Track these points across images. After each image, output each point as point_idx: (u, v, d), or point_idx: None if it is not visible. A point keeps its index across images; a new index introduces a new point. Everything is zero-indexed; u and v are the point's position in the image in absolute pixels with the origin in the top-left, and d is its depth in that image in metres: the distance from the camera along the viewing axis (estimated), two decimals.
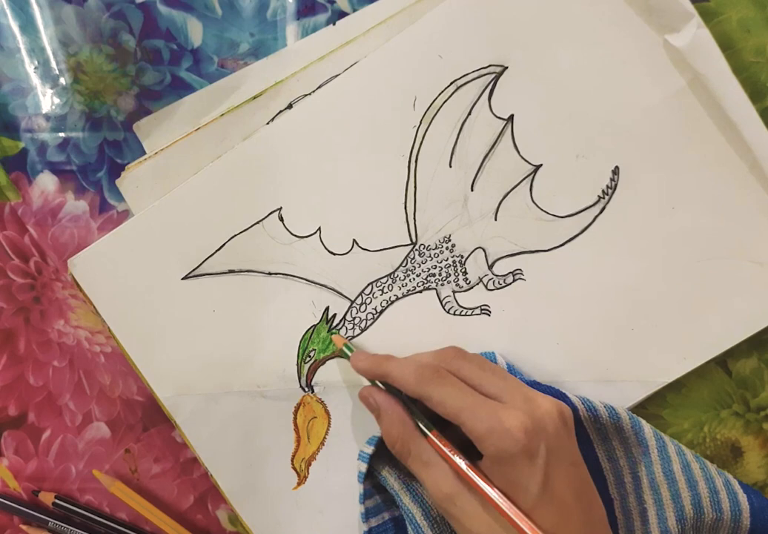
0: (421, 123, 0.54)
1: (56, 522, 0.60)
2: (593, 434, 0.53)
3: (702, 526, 0.53)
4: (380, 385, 0.52)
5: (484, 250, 0.55)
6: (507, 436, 0.44)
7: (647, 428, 0.53)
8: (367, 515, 0.54)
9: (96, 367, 0.60)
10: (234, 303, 0.56)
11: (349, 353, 0.54)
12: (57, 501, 0.60)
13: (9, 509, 0.60)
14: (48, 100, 0.57)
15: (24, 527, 0.61)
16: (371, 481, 0.54)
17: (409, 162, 0.54)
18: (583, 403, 0.52)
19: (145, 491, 0.61)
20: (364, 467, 0.53)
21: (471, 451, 0.47)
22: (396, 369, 0.50)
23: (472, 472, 0.46)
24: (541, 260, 0.54)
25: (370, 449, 0.53)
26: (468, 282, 0.55)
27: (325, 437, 0.57)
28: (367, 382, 0.54)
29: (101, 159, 0.57)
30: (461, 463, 0.46)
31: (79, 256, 0.56)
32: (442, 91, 0.54)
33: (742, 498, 0.53)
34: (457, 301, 0.55)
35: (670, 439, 0.54)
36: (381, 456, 0.54)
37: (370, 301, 0.56)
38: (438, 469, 0.47)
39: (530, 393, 0.48)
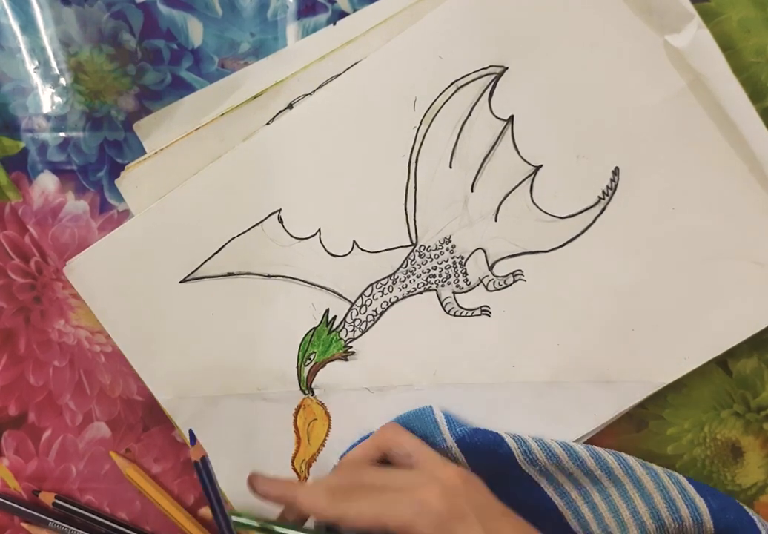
0: (421, 123, 0.54)
1: (56, 522, 0.60)
2: (536, 476, 0.53)
3: None
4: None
5: (484, 250, 0.55)
6: (431, 512, 0.45)
7: (588, 460, 0.53)
8: None
9: (96, 366, 0.60)
10: (233, 306, 0.56)
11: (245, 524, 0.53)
12: (57, 501, 0.60)
13: (9, 509, 0.61)
14: (48, 100, 0.57)
15: (25, 525, 0.61)
16: None
17: (409, 163, 0.54)
18: (519, 447, 0.53)
19: None
20: None
21: None
22: (304, 493, 0.49)
23: None
24: (541, 261, 0.54)
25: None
26: (468, 283, 0.55)
27: (325, 439, 0.57)
28: (365, 385, 0.54)
29: (101, 159, 0.57)
30: None
31: (75, 260, 0.57)
32: (443, 92, 0.54)
33: (700, 502, 0.53)
34: (457, 302, 0.55)
35: (615, 458, 0.53)
36: None
37: (371, 303, 0.56)
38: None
39: (432, 468, 0.49)
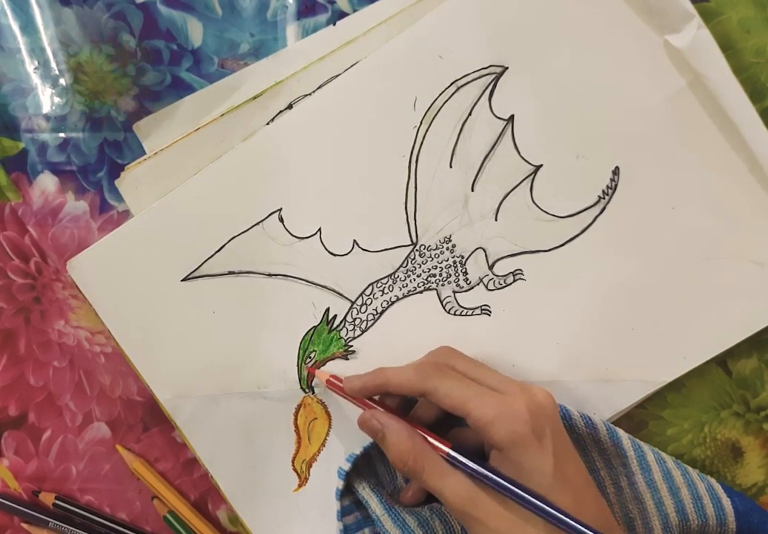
0: (421, 123, 0.54)
1: (57, 522, 0.60)
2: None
3: (689, 533, 0.53)
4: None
5: (484, 250, 0.55)
6: (516, 418, 0.45)
7: (625, 438, 0.53)
8: (346, 532, 0.54)
9: (96, 367, 0.60)
10: (234, 304, 0.56)
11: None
12: (57, 502, 0.60)
13: (9, 509, 0.60)
14: (48, 101, 0.57)
15: (25, 526, 0.61)
16: (352, 498, 0.55)
17: (410, 162, 0.54)
18: (560, 411, 0.52)
19: (146, 491, 0.61)
20: (341, 484, 0.53)
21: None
22: (395, 373, 0.50)
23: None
24: (541, 260, 0.54)
25: (347, 466, 0.53)
26: (468, 282, 0.55)
27: (325, 438, 0.57)
28: None
29: (101, 159, 0.57)
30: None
31: (77, 259, 0.56)
32: (443, 92, 0.54)
33: (726, 502, 0.53)
34: (457, 302, 0.55)
35: (649, 448, 0.54)
36: (362, 477, 0.54)
37: (371, 302, 0.56)
38: (454, 478, 0.47)
39: (524, 384, 0.48)
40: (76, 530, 0.60)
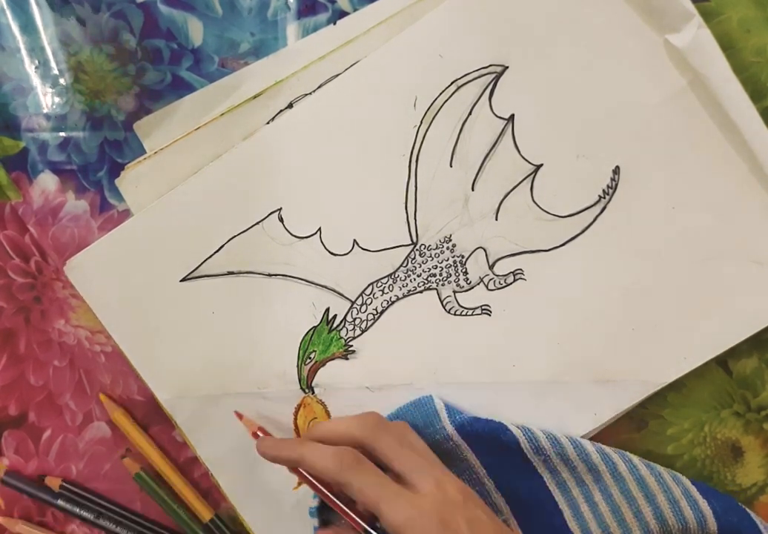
0: (421, 123, 0.54)
1: (64, 503, 0.60)
2: (539, 467, 0.53)
3: None
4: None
5: (484, 249, 0.55)
6: (427, 523, 0.45)
7: (594, 453, 0.53)
8: None
9: (96, 366, 0.60)
10: (233, 304, 0.56)
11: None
12: (64, 484, 0.60)
13: (18, 489, 0.61)
14: (48, 100, 0.57)
15: (23, 525, 0.61)
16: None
17: (410, 162, 0.54)
18: (524, 435, 0.53)
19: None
20: (315, 522, 0.53)
21: None
22: (311, 455, 0.49)
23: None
24: (541, 260, 0.54)
25: (315, 501, 0.53)
26: (469, 282, 0.55)
27: None
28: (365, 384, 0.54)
29: (102, 158, 0.57)
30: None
31: (75, 259, 0.56)
32: (443, 91, 0.54)
33: (703, 504, 0.52)
34: (457, 301, 0.55)
35: (619, 457, 0.53)
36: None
37: (371, 302, 0.56)
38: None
39: (438, 475, 0.48)
40: (83, 513, 0.60)
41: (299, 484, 0.58)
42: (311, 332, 0.56)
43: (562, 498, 0.53)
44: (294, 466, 0.50)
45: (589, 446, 0.53)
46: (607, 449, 0.53)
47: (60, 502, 0.60)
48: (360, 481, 0.47)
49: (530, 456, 0.53)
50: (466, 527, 0.45)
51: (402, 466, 0.48)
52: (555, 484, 0.53)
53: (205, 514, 0.60)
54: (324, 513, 0.53)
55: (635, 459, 0.54)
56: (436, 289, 0.55)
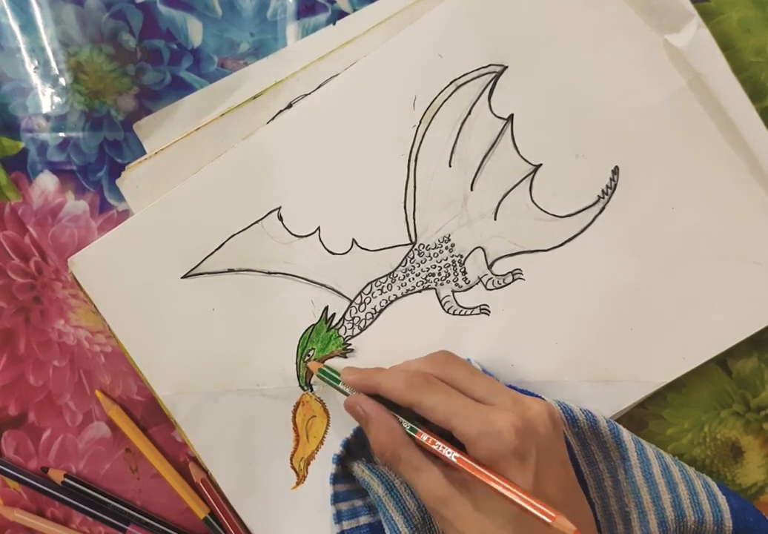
0: (420, 122, 0.54)
1: (66, 497, 0.60)
2: (572, 438, 0.53)
3: (685, 531, 0.53)
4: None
5: (483, 249, 0.55)
6: (498, 437, 0.45)
7: (625, 432, 0.53)
8: (339, 517, 0.55)
9: (96, 366, 0.60)
10: (233, 302, 0.56)
11: (331, 374, 0.54)
12: (66, 480, 0.60)
13: (22, 482, 0.61)
14: (48, 100, 0.57)
15: (21, 515, 0.61)
16: (351, 484, 0.55)
17: (409, 161, 0.54)
18: (560, 407, 0.53)
19: (146, 490, 0.61)
20: (334, 469, 0.54)
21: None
22: (386, 380, 0.50)
23: (467, 460, 0.46)
24: (540, 260, 0.54)
25: (340, 450, 0.54)
26: (467, 281, 0.55)
27: (324, 436, 0.57)
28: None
29: (101, 159, 0.58)
30: (453, 454, 0.46)
31: (79, 255, 0.56)
32: (442, 91, 0.54)
33: (722, 499, 0.53)
34: (456, 301, 0.55)
35: (648, 444, 0.54)
36: (360, 458, 0.54)
37: (370, 301, 0.56)
38: (430, 473, 0.47)
39: (519, 396, 0.48)
40: (85, 507, 0.60)
41: (297, 483, 0.58)
42: (310, 330, 0.56)
43: (589, 470, 0.53)
44: (374, 392, 0.51)
45: (622, 427, 0.53)
46: (638, 437, 0.54)
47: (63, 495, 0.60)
48: (430, 399, 0.47)
49: (564, 427, 0.52)
50: (535, 453, 0.45)
51: (477, 392, 0.48)
52: (583, 456, 0.53)
53: (200, 512, 0.60)
54: (346, 460, 0.55)
55: (662, 451, 0.54)
56: (434, 288, 0.55)
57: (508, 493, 0.44)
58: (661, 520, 0.52)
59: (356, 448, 0.55)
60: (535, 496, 0.44)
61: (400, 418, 0.50)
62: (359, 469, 0.54)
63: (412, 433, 0.49)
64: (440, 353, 0.52)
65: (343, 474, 0.55)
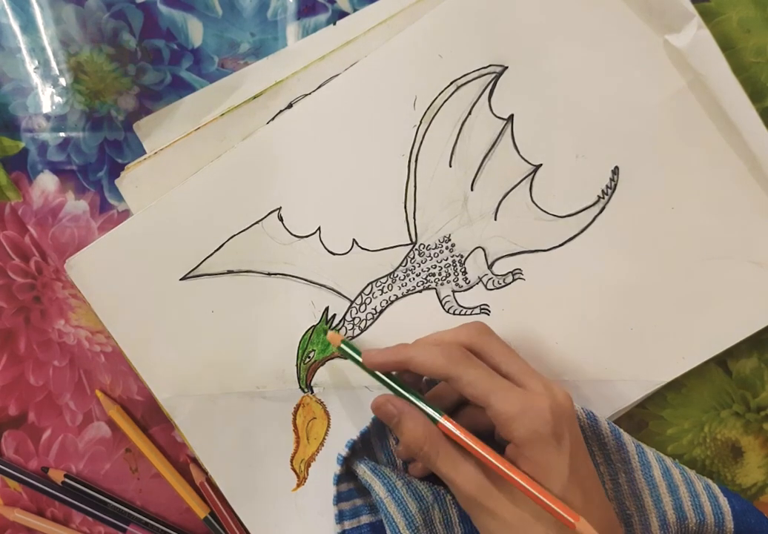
0: (421, 122, 0.54)
1: (66, 498, 0.60)
2: None
3: (687, 533, 0.53)
4: (391, 383, 0.51)
5: (483, 249, 0.55)
6: (538, 417, 0.45)
7: (626, 434, 0.53)
8: (341, 517, 0.55)
9: (96, 366, 0.60)
10: (233, 303, 0.56)
11: (350, 351, 0.53)
12: (66, 480, 0.60)
13: (20, 481, 0.61)
14: (48, 100, 0.57)
15: (21, 515, 0.61)
16: (352, 484, 0.55)
17: (409, 161, 0.54)
18: None
19: (146, 490, 0.61)
20: (338, 470, 0.54)
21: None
22: (419, 353, 0.49)
23: (500, 460, 0.46)
24: (540, 260, 0.54)
25: (346, 452, 0.54)
26: (468, 281, 0.55)
27: (324, 438, 0.57)
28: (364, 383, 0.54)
29: (101, 159, 0.58)
30: (485, 453, 0.46)
31: (76, 257, 0.56)
32: (443, 91, 0.54)
33: (723, 501, 0.53)
34: (456, 301, 0.55)
35: (648, 448, 0.54)
36: (363, 461, 0.54)
37: (370, 301, 0.56)
38: (467, 466, 0.47)
39: (546, 381, 0.48)
40: (85, 507, 0.60)
41: (298, 485, 0.58)
42: (310, 331, 0.56)
43: (598, 478, 0.53)
44: (403, 368, 0.50)
45: (622, 430, 0.53)
46: (638, 441, 0.54)
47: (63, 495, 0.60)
48: (470, 374, 0.47)
49: None
50: (568, 436, 0.46)
51: (510, 367, 0.49)
52: None
53: (200, 512, 0.60)
54: (350, 461, 0.54)
55: (661, 453, 0.54)
56: (435, 288, 0.55)
57: (532, 490, 0.44)
58: (662, 522, 0.52)
59: (361, 449, 0.55)
60: (571, 477, 0.45)
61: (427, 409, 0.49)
62: (361, 470, 0.54)
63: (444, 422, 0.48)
64: (476, 323, 0.52)
65: (346, 473, 0.55)
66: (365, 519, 0.55)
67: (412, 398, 0.50)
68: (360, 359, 0.52)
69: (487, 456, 0.46)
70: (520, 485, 0.45)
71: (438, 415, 0.48)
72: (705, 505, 0.52)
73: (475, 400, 0.47)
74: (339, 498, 0.54)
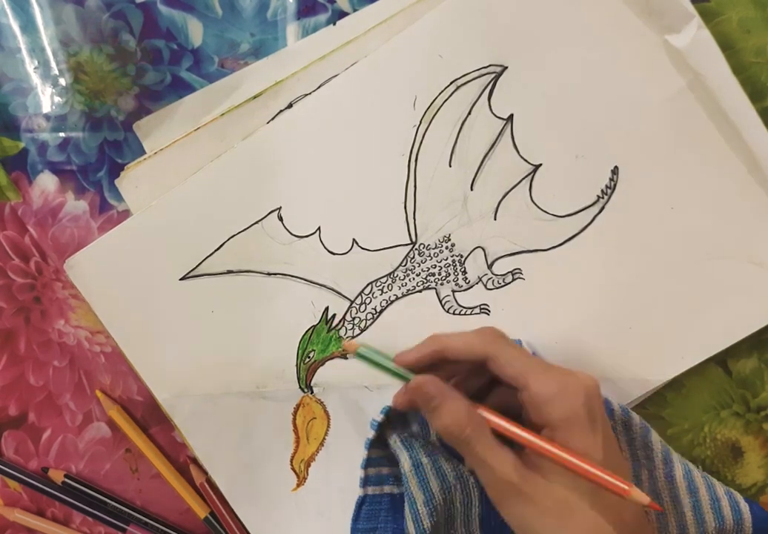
0: (421, 122, 0.54)
1: (66, 498, 0.61)
2: None
3: None
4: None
5: (483, 249, 0.55)
6: (575, 398, 0.45)
7: (654, 433, 0.53)
8: (365, 482, 0.54)
9: (96, 367, 0.60)
10: (233, 303, 0.56)
11: (376, 357, 0.49)
12: (66, 480, 0.60)
13: (20, 481, 0.61)
14: (48, 100, 0.57)
15: (19, 514, 0.61)
16: (383, 451, 0.54)
17: (409, 161, 0.54)
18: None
19: (146, 490, 0.61)
20: (372, 434, 0.53)
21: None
22: (453, 339, 0.49)
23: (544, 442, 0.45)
24: (540, 260, 0.54)
25: (380, 417, 0.53)
26: (467, 281, 0.55)
27: (324, 438, 0.57)
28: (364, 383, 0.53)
29: (101, 159, 0.58)
30: (531, 437, 0.46)
31: (76, 257, 0.56)
32: (442, 91, 0.54)
33: (744, 507, 0.52)
34: (456, 301, 0.55)
35: (674, 451, 0.54)
36: (395, 430, 0.54)
37: (370, 301, 0.56)
38: (505, 452, 0.46)
39: (569, 369, 0.48)
40: (85, 507, 0.60)
41: (298, 485, 0.58)
42: (310, 331, 0.56)
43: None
44: (440, 358, 0.48)
45: (651, 428, 0.53)
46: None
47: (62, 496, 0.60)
48: (507, 353, 0.47)
49: None
50: (600, 420, 0.45)
51: (532, 368, 0.48)
52: None
53: (200, 512, 0.60)
54: (384, 428, 0.54)
55: (685, 459, 0.54)
56: (435, 288, 0.55)
57: (582, 464, 0.44)
58: (680, 523, 0.52)
59: (395, 417, 0.54)
60: (605, 461, 0.44)
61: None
62: (393, 440, 0.53)
63: (489, 415, 0.47)
64: (489, 329, 0.50)
65: (377, 439, 0.54)
66: (387, 489, 0.54)
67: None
68: (382, 363, 0.49)
69: (527, 436, 0.46)
70: (565, 459, 0.44)
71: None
72: (725, 508, 0.52)
73: (513, 380, 0.46)
74: (368, 463, 0.53)
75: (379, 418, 0.53)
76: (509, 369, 0.46)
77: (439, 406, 0.48)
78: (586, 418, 0.44)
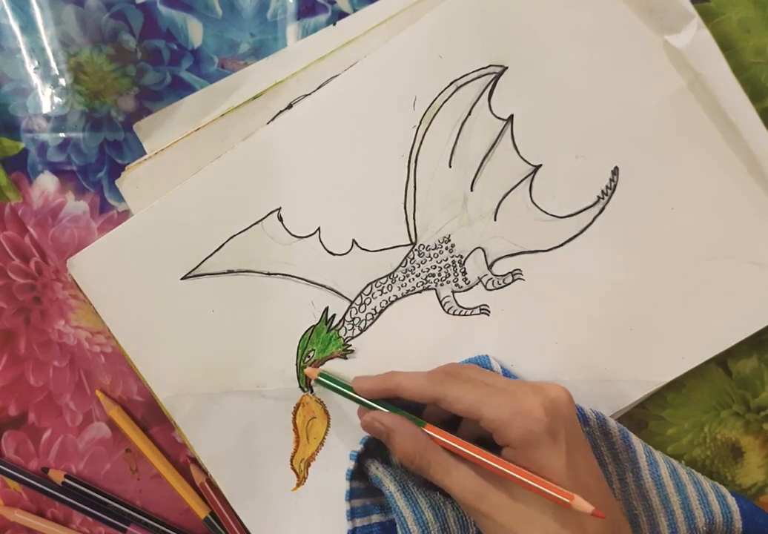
0: (420, 123, 0.54)
1: (66, 498, 0.60)
2: None
3: (696, 533, 0.53)
4: (380, 408, 0.51)
5: (483, 250, 0.55)
6: (531, 416, 0.45)
7: (633, 436, 0.53)
8: (352, 514, 0.54)
9: (96, 367, 0.60)
10: (233, 303, 0.56)
11: (329, 382, 0.54)
12: (66, 480, 0.60)
13: (22, 482, 0.61)
14: (48, 101, 0.57)
15: (20, 514, 0.61)
16: (365, 483, 0.55)
17: (409, 162, 0.54)
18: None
19: (146, 491, 0.61)
20: (352, 465, 0.54)
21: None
22: (406, 379, 0.50)
23: (496, 461, 0.46)
24: (540, 260, 0.54)
25: (359, 447, 0.54)
26: (467, 282, 0.55)
27: (324, 438, 0.57)
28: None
29: (101, 159, 0.57)
30: (480, 455, 0.47)
31: (78, 257, 0.56)
32: (442, 91, 0.54)
33: (731, 500, 0.53)
34: (456, 301, 0.55)
35: (654, 449, 0.54)
36: (376, 458, 0.54)
37: (370, 302, 0.56)
38: (461, 471, 0.47)
39: (536, 383, 0.48)
40: (85, 507, 0.60)
41: (298, 484, 0.58)
42: (310, 331, 0.56)
43: (602, 473, 0.53)
44: (392, 395, 0.51)
45: (629, 431, 0.53)
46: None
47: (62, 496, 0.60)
48: (455, 390, 0.47)
49: None
50: (564, 432, 0.46)
51: (496, 384, 0.48)
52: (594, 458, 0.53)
53: (201, 512, 0.60)
54: (363, 458, 0.54)
55: (668, 457, 0.54)
56: (434, 289, 0.55)
57: (519, 476, 0.44)
58: (671, 522, 0.52)
59: (374, 448, 0.55)
60: (569, 475, 0.44)
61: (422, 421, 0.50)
62: (374, 467, 0.54)
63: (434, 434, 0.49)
64: (441, 369, 0.52)
65: (358, 470, 0.54)
66: (375, 518, 0.55)
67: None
68: (340, 389, 0.53)
69: (470, 453, 0.47)
70: (506, 473, 0.45)
71: (420, 424, 0.49)
72: (713, 503, 0.52)
73: (467, 414, 0.47)
74: (351, 494, 0.54)
75: (359, 448, 0.54)
76: (459, 405, 0.47)
77: (387, 439, 0.50)
78: (545, 435, 0.45)
